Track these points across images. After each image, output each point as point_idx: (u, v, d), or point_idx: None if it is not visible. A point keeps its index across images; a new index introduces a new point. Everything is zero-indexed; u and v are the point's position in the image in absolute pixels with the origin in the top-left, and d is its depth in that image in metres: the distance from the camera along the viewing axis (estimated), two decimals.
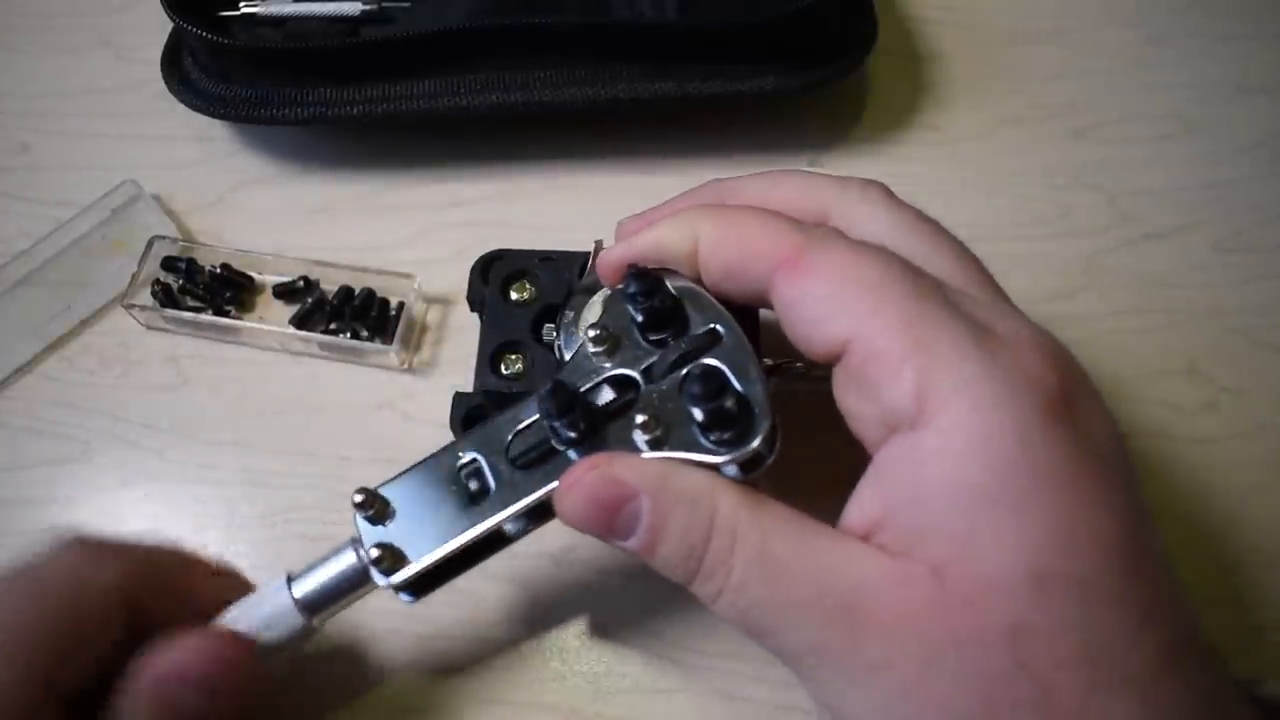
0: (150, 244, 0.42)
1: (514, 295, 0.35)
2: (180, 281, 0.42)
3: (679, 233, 0.28)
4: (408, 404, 0.39)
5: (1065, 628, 0.21)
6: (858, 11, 0.46)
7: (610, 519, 0.25)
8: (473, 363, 0.35)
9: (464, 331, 0.41)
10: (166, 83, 0.44)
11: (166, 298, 0.41)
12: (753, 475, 0.26)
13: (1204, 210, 0.45)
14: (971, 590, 0.21)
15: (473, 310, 0.37)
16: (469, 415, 0.35)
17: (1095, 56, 0.50)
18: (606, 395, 0.28)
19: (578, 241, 0.44)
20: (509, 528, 0.28)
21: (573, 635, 0.34)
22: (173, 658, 0.26)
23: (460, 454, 0.29)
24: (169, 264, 0.42)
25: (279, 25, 0.46)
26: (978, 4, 0.52)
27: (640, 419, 0.26)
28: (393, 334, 0.40)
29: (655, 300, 0.27)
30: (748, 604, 0.24)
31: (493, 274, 0.36)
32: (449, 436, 0.38)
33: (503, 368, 0.34)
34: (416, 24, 0.45)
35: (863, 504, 0.24)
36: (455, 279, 0.42)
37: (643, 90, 0.43)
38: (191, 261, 0.42)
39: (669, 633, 0.34)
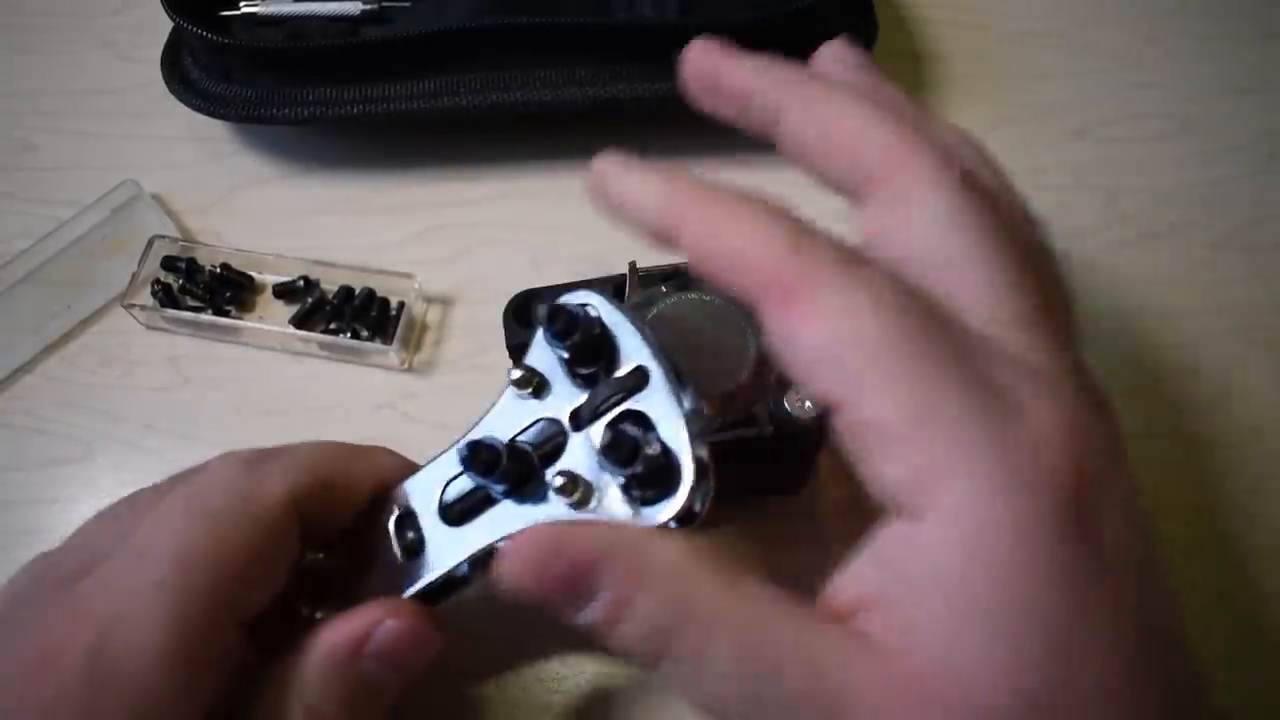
0: (150, 244, 0.42)
1: None
2: (180, 281, 0.42)
3: (659, 205, 0.24)
4: (408, 404, 0.39)
5: None
6: (858, 11, 0.46)
7: (563, 593, 0.22)
8: (472, 362, 0.34)
9: (464, 331, 0.41)
10: (167, 83, 0.44)
11: (166, 297, 0.41)
12: (687, 528, 0.24)
13: (1203, 209, 0.45)
14: (957, 710, 0.19)
15: (512, 357, 0.36)
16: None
17: (1095, 56, 0.50)
18: (542, 431, 0.26)
19: (577, 242, 0.44)
20: (461, 572, 0.27)
21: (573, 635, 0.34)
22: (364, 633, 0.26)
23: (394, 508, 0.28)
24: (169, 264, 0.42)
25: (279, 25, 0.46)
26: (978, 4, 0.52)
27: (559, 481, 0.24)
28: (393, 334, 0.40)
29: (575, 338, 0.25)
30: (729, 697, 0.21)
31: (534, 315, 0.35)
32: (449, 437, 0.38)
33: None
34: (416, 24, 0.45)
35: (857, 577, 0.21)
36: (455, 279, 0.42)
37: (643, 90, 0.43)
38: (191, 261, 0.42)
39: None
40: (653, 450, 0.23)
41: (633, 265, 0.35)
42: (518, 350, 0.36)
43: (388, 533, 0.28)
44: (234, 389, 0.40)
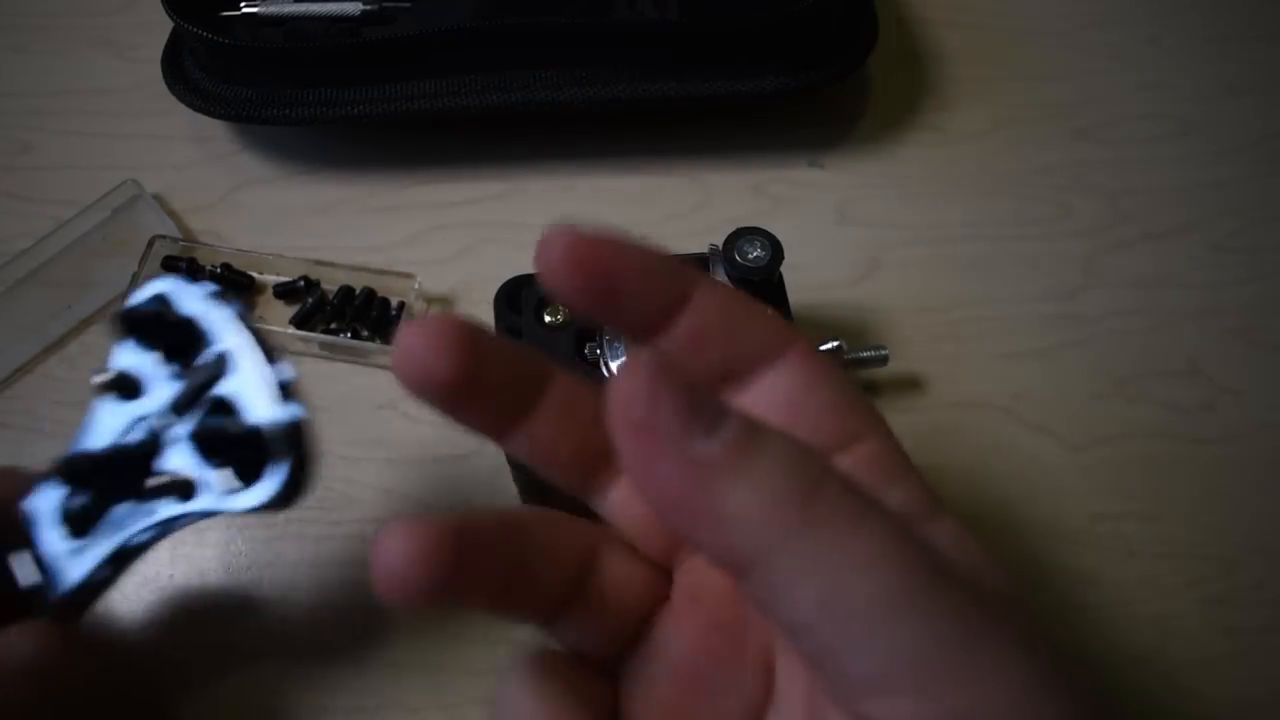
0: (150, 244, 0.42)
1: (548, 319, 0.35)
2: None
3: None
4: (408, 404, 0.39)
5: None
6: (859, 12, 0.46)
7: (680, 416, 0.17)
8: None
9: None
10: (167, 83, 0.44)
11: None
12: (292, 504, 0.24)
13: (1203, 210, 0.45)
14: None
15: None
16: None
17: (1095, 56, 0.50)
18: (144, 431, 0.26)
19: None
20: (99, 576, 0.27)
21: None
22: None
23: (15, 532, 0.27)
24: (169, 264, 0.42)
25: (279, 25, 0.46)
26: (978, 4, 0.52)
27: (153, 483, 0.25)
28: (393, 334, 0.40)
29: (154, 337, 0.25)
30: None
31: (524, 301, 0.35)
32: (449, 437, 0.38)
33: None
34: (417, 24, 0.45)
35: None
36: (455, 279, 0.42)
37: (643, 90, 0.43)
38: (192, 261, 0.42)
39: None
40: (243, 436, 0.23)
41: None
42: (507, 334, 0.36)
43: (9, 559, 0.27)
44: None
